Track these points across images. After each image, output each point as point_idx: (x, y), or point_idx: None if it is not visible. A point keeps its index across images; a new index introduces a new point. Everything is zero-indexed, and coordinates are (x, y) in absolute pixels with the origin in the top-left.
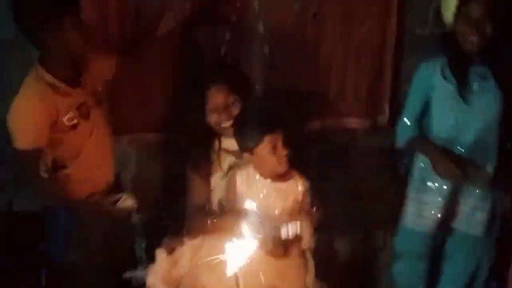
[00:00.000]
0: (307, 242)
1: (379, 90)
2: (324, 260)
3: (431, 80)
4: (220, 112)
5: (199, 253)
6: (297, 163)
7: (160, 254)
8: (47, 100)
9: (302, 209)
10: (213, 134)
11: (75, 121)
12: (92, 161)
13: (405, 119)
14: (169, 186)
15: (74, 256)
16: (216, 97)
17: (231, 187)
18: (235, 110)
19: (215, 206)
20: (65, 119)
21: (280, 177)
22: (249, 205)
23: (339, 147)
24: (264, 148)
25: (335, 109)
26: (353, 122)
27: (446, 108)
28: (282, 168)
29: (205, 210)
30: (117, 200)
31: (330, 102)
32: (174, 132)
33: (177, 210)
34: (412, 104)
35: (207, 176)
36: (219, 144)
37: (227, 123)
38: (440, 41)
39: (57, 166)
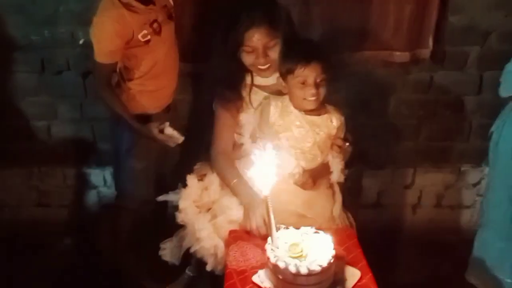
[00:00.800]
0: (337, 175)
1: (423, 21)
2: (352, 194)
3: None
4: (258, 55)
5: None
6: (332, 97)
7: (191, 180)
8: (123, 20)
9: (335, 144)
10: (246, 70)
11: (148, 37)
12: (159, 77)
13: None
14: (200, 117)
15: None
16: (257, 39)
17: (264, 116)
18: (274, 54)
19: (246, 140)
20: (139, 35)
21: (314, 111)
22: (282, 135)
23: (377, 81)
24: (293, 79)
25: (375, 41)
26: (394, 55)
27: None
28: (308, 105)
29: (230, 153)
30: (163, 129)
31: (370, 33)
32: (206, 64)
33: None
34: None
35: (236, 112)
36: (252, 79)
37: (264, 66)
38: None
39: (125, 78)
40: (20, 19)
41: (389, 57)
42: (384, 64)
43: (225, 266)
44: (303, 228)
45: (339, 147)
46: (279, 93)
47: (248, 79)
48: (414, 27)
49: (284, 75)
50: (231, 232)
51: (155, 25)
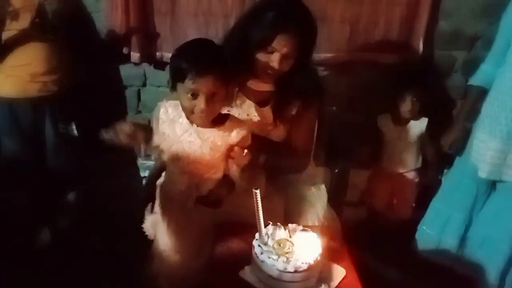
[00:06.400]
0: (239, 185)
1: (413, 24)
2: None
3: None
4: (275, 58)
5: None
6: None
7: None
8: None
9: (232, 155)
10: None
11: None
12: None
13: (487, 65)
14: None
15: None
16: (284, 44)
17: (155, 122)
18: (288, 64)
19: None
20: None
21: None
22: (173, 149)
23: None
24: (182, 87)
25: (364, 41)
26: (383, 57)
27: None
28: (196, 120)
29: None
30: None
31: (360, 33)
32: None
33: None
34: (498, 47)
35: None
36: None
37: (275, 70)
38: None
39: None
40: None
41: (378, 58)
42: (373, 65)
43: (212, 261)
44: (290, 225)
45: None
46: (264, 103)
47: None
48: (404, 29)
49: (172, 79)
50: (217, 226)
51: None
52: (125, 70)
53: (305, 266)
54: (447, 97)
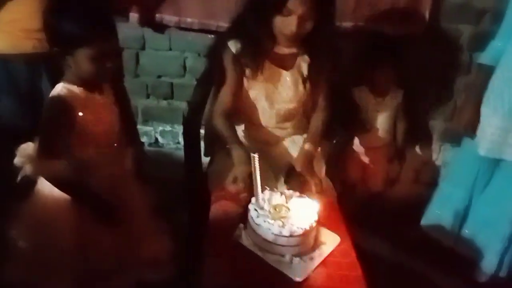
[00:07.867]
0: None
1: None
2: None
3: None
4: (292, 20)
5: None
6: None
7: None
8: None
9: None
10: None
11: None
12: None
13: (497, 41)
14: None
15: None
16: (299, 4)
17: None
18: (307, 27)
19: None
20: None
21: None
22: None
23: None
24: (83, 51)
25: (370, 12)
26: (389, 28)
27: None
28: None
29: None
30: None
31: (365, 4)
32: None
33: None
34: (509, 22)
35: (244, 76)
36: (272, 47)
37: (292, 33)
38: None
39: None
40: None
41: (382, 29)
42: (378, 36)
43: (207, 224)
44: (287, 191)
45: None
46: (289, 67)
47: (268, 46)
48: (410, 1)
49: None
50: (214, 192)
51: None
52: (123, 32)
53: (300, 231)
54: (427, 69)
